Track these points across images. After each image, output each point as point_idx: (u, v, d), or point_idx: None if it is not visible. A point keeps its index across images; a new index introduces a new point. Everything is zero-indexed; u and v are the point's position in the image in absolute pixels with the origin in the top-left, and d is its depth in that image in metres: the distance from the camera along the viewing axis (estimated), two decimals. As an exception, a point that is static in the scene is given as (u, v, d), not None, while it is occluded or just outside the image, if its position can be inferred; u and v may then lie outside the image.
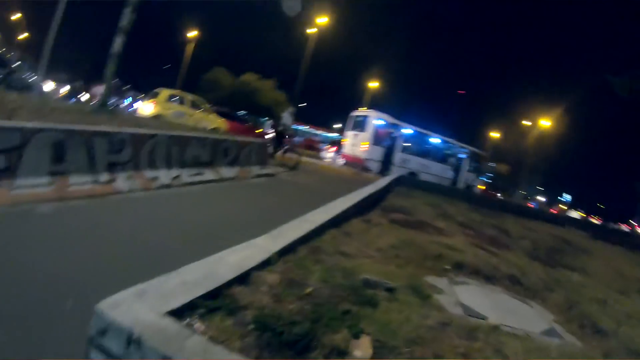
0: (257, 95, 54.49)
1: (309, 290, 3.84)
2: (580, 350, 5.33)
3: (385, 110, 24.61)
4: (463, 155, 27.68)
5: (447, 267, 6.70)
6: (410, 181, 17.72)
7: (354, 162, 23.51)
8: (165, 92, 22.41)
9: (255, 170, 11.89)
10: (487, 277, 7.01)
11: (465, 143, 28.78)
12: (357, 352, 3.35)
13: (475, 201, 17.45)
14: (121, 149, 7.71)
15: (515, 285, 7.16)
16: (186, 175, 9.06)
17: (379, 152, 23.25)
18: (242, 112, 39.80)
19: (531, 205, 51.24)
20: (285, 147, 15.92)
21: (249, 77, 55.64)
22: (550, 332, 5.64)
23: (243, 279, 3.48)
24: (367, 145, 22.87)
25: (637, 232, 37.56)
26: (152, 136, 8.33)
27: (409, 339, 3.75)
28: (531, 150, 48.34)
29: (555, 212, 49.72)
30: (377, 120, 23.20)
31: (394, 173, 21.43)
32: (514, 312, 5.94)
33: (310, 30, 43.92)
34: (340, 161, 25.91)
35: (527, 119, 50.06)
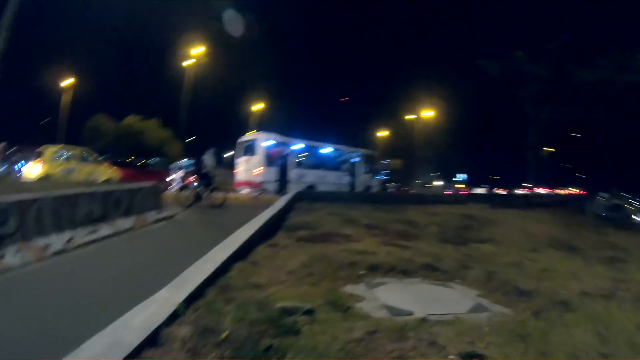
0: (142, 137, 53.20)
1: (225, 334, 3.66)
2: (510, 316, 5.70)
3: (275, 128, 25.21)
4: (356, 159, 29.04)
5: (362, 272, 6.86)
6: (309, 195, 18.00)
7: (251, 187, 23.52)
8: (49, 150, 21.97)
9: (152, 215, 11.22)
10: (403, 271, 7.31)
11: (358, 146, 30.44)
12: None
13: (375, 201, 18.19)
14: (5, 220, 6.79)
15: (433, 272, 7.57)
16: (80, 235, 8.31)
17: (273, 173, 23.53)
18: (154, 159, 37.93)
19: (449, 192, 55.29)
20: (212, 187, 15.61)
21: (132, 120, 54.02)
22: (477, 308, 6.03)
23: (152, 340, 3.33)
24: (261, 168, 23.01)
25: (535, 192, 42.62)
26: (34, 200, 7.48)
27: (337, 355, 3.70)
28: (419, 141, 52.63)
29: (466, 192, 54.38)
30: (265, 141, 23.51)
31: (292, 190, 21.82)
32: (438, 299, 6.25)
33: (187, 63, 45.75)
34: (241, 189, 25.72)
35: (410, 112, 54.55)
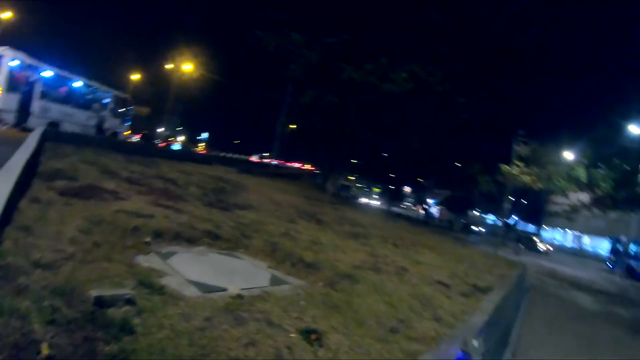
0: None
1: (45, 351, 2.65)
2: (309, 287, 6.08)
3: (20, 47, 19.29)
4: (107, 100, 25.46)
5: (148, 239, 6.22)
6: (55, 135, 14.80)
7: None
8: None
9: None
10: (188, 239, 7.01)
11: (109, 85, 26.51)
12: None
13: (126, 150, 16.40)
14: None
15: (216, 240, 7.44)
16: None
17: (14, 101, 18.40)
18: None
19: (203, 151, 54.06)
20: None
21: None
22: (276, 281, 6.25)
23: None
24: (1, 92, 17.69)
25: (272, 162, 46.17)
26: None
27: (195, 355, 3.28)
28: (172, 93, 49.69)
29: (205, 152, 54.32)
30: (12, 61, 18.05)
31: (33, 124, 17.79)
32: (235, 271, 6.20)
33: None
34: None
35: (170, 62, 50.57)
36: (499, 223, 49.09)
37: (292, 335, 4.26)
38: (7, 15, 43.87)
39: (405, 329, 5.53)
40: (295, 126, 39.92)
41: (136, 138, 38.38)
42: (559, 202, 43.62)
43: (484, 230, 57.61)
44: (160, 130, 55.63)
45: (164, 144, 51.06)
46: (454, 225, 55.61)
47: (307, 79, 30.35)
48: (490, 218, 68.24)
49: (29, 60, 19.56)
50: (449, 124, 32.92)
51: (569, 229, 56.61)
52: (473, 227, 56.20)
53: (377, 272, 8.10)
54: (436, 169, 52.32)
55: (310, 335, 4.39)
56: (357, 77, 27.53)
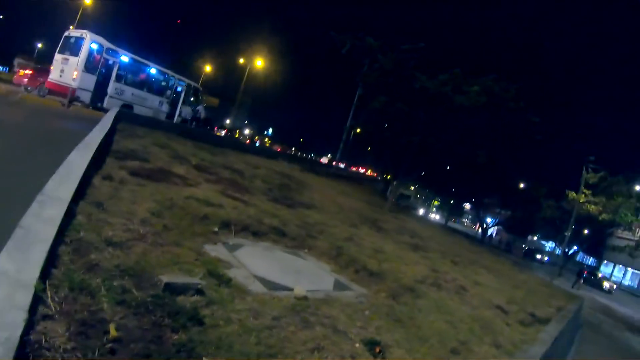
0: None
1: (113, 332, 2.57)
2: (372, 297, 5.90)
3: (100, 33, 20.78)
4: (179, 89, 26.60)
5: (216, 228, 6.19)
6: (129, 116, 15.58)
7: (60, 92, 19.30)
8: None
9: None
10: (255, 233, 6.93)
11: (183, 75, 27.67)
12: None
13: (195, 137, 16.93)
14: None
15: (282, 237, 7.33)
16: None
17: (92, 81, 19.78)
18: None
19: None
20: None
21: None
22: (339, 286, 6.05)
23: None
24: (79, 72, 19.04)
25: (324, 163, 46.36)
26: None
27: (262, 355, 3.16)
28: (242, 87, 51.01)
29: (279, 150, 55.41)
30: (93, 43, 19.48)
31: (109, 105, 18.97)
32: (300, 271, 6.04)
33: None
34: (46, 90, 20.83)
35: (243, 56, 52.12)
36: (558, 251, 46.48)
37: (356, 345, 4.08)
38: (88, 1, 46.51)
39: (465, 352, 5.29)
40: (360, 130, 39.49)
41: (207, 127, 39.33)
42: (624, 237, 41.04)
43: (547, 259, 54.56)
44: (227, 121, 57.11)
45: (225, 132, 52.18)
46: (512, 249, 53.36)
47: (379, 84, 29.80)
48: (549, 245, 64.88)
49: (108, 45, 20.68)
50: (519, 142, 31.41)
51: (631, 266, 53.03)
52: (537, 256, 53.37)
53: (438, 289, 7.80)
54: (499, 188, 50.17)
55: (375, 348, 4.21)
56: (430, 87, 26.78)
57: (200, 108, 28.45)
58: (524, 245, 54.42)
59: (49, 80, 20.38)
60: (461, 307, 7.18)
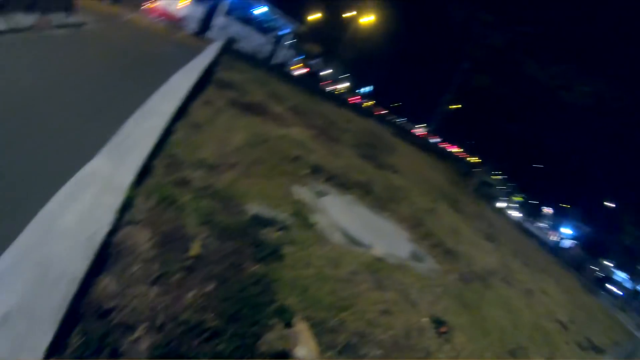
0: None
1: (195, 249, 2.58)
2: (444, 276, 5.69)
3: None
4: (285, 30, 26.76)
5: (306, 172, 6.15)
6: (232, 50, 15.99)
7: (168, 18, 20.23)
8: None
9: (59, 18, 8.37)
10: (342, 184, 6.80)
11: (287, 16, 27.68)
12: (301, 351, 2.39)
13: (293, 81, 17.08)
14: None
15: (367, 194, 7.18)
16: None
17: (200, 11, 20.54)
18: None
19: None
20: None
21: None
22: (414, 256, 5.84)
23: (101, 260, 1.99)
24: (188, 2, 19.83)
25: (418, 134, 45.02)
26: None
27: (333, 305, 3.07)
28: (345, 40, 50.29)
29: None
30: None
31: (214, 37, 19.59)
32: (380, 232, 5.91)
33: None
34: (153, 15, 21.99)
35: (350, 9, 51.22)
36: (629, 285, 42.57)
37: (423, 319, 3.94)
38: None
39: (522, 357, 5.07)
40: (458, 106, 37.77)
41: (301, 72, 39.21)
42: None
43: (621, 293, 49.80)
44: (326, 72, 56.88)
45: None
46: (584, 270, 49.87)
47: (486, 62, 28.09)
48: (621, 275, 59.82)
49: None
50: (620, 157, 28.67)
51: None
52: (611, 287, 49.09)
53: (508, 286, 7.48)
54: (584, 200, 46.27)
55: (440, 327, 4.06)
56: (540, 77, 24.81)
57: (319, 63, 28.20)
58: (596, 270, 50.37)
59: (158, 7, 21.13)
60: (526, 311, 6.86)
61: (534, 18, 26.57)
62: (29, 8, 7.53)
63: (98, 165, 2.54)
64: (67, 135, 3.56)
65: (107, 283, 1.87)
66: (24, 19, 7.30)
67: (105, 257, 2.04)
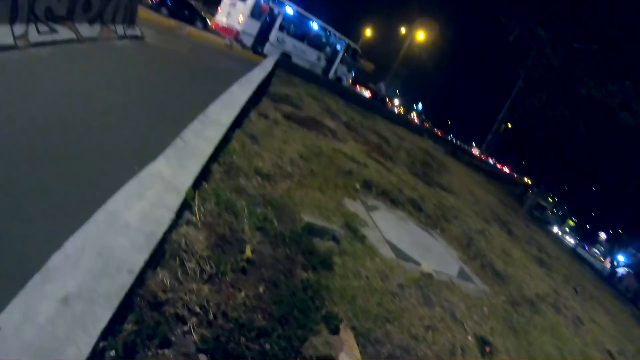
0: None
1: (248, 253, 2.72)
2: (491, 296, 5.62)
3: None
4: (339, 46, 27.16)
5: (358, 186, 6.29)
6: (287, 64, 16.54)
7: (226, 33, 21.25)
8: None
9: (121, 30, 9.08)
10: (393, 200, 6.86)
11: (341, 33, 28.13)
12: (345, 358, 2.49)
13: (347, 97, 17.36)
14: None
15: (417, 211, 7.18)
16: (35, 32, 6.28)
17: (255, 26, 21.36)
18: None
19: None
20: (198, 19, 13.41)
21: None
22: (463, 275, 5.77)
23: (158, 255, 2.15)
24: (245, 17, 20.71)
25: (475, 154, 44.13)
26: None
27: (379, 317, 3.14)
28: (400, 57, 50.43)
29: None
30: None
31: (268, 52, 20.35)
32: (429, 249, 5.86)
33: None
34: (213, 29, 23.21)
35: (405, 26, 51.53)
36: None
37: (469, 338, 3.94)
38: None
39: None
40: (511, 126, 36.66)
41: (362, 92, 39.25)
42: None
43: None
44: (380, 88, 56.95)
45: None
46: (638, 300, 46.80)
47: (542, 81, 27.17)
48: None
49: None
50: None
51: None
52: None
53: (557, 312, 7.20)
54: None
55: (485, 347, 4.04)
56: (597, 96, 23.74)
57: (382, 86, 28.40)
58: None
59: (215, 20, 22.11)
60: (574, 339, 6.57)
61: (590, 35, 25.66)
62: (93, 20, 8.09)
63: (159, 168, 2.71)
64: (132, 139, 3.87)
65: (162, 277, 2.02)
66: (88, 30, 7.86)
67: (163, 253, 2.17)
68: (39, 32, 6.47)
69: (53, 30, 6.85)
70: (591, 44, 25.45)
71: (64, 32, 7.13)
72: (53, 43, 6.66)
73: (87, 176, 3.10)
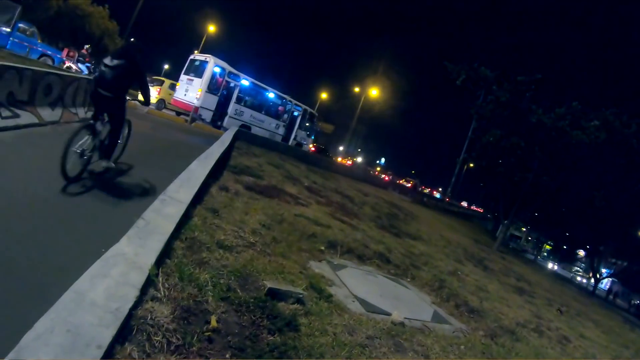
0: (86, 22, 46.88)
1: (213, 322, 2.82)
2: (470, 333, 5.69)
3: (222, 57, 23.14)
4: (296, 113, 28.08)
5: (322, 247, 6.43)
6: (246, 136, 16.98)
7: (184, 109, 21.75)
8: None
9: (82, 113, 9.40)
10: (360, 256, 7.01)
11: (298, 100, 29.16)
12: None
13: (309, 161, 17.78)
14: None
15: (386, 263, 7.31)
16: None
17: (213, 101, 21.96)
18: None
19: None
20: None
21: (81, 0, 46.90)
22: (438, 318, 5.87)
23: (126, 331, 2.25)
24: (202, 93, 21.28)
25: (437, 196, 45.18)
26: None
27: None
28: (356, 115, 52.26)
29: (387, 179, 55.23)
30: (216, 67, 21.69)
31: (228, 125, 20.92)
32: (400, 299, 5.95)
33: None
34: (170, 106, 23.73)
35: (358, 85, 53.95)
36: None
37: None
38: (211, 29, 51.49)
39: None
40: (472, 165, 37.86)
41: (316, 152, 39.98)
42: None
43: None
44: (340, 148, 58.34)
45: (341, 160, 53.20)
46: (628, 305, 47.15)
47: (494, 117, 28.58)
48: None
49: (229, 69, 22.52)
50: None
51: None
52: None
53: (540, 336, 7.27)
54: (616, 235, 44.28)
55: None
56: (547, 121, 25.09)
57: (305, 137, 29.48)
58: (633, 301, 47.55)
59: (173, 98, 22.78)
60: (561, 358, 6.67)
61: (532, 66, 27.37)
62: (54, 104, 8.44)
63: (122, 248, 2.86)
64: (95, 222, 4.02)
65: (130, 351, 2.11)
66: (49, 114, 8.17)
67: (130, 328, 2.28)
68: (1, 116, 6.72)
69: (15, 115, 7.09)
70: (534, 74, 27.25)
71: (26, 117, 7.38)
72: (16, 127, 6.88)
73: (53, 259, 3.24)
